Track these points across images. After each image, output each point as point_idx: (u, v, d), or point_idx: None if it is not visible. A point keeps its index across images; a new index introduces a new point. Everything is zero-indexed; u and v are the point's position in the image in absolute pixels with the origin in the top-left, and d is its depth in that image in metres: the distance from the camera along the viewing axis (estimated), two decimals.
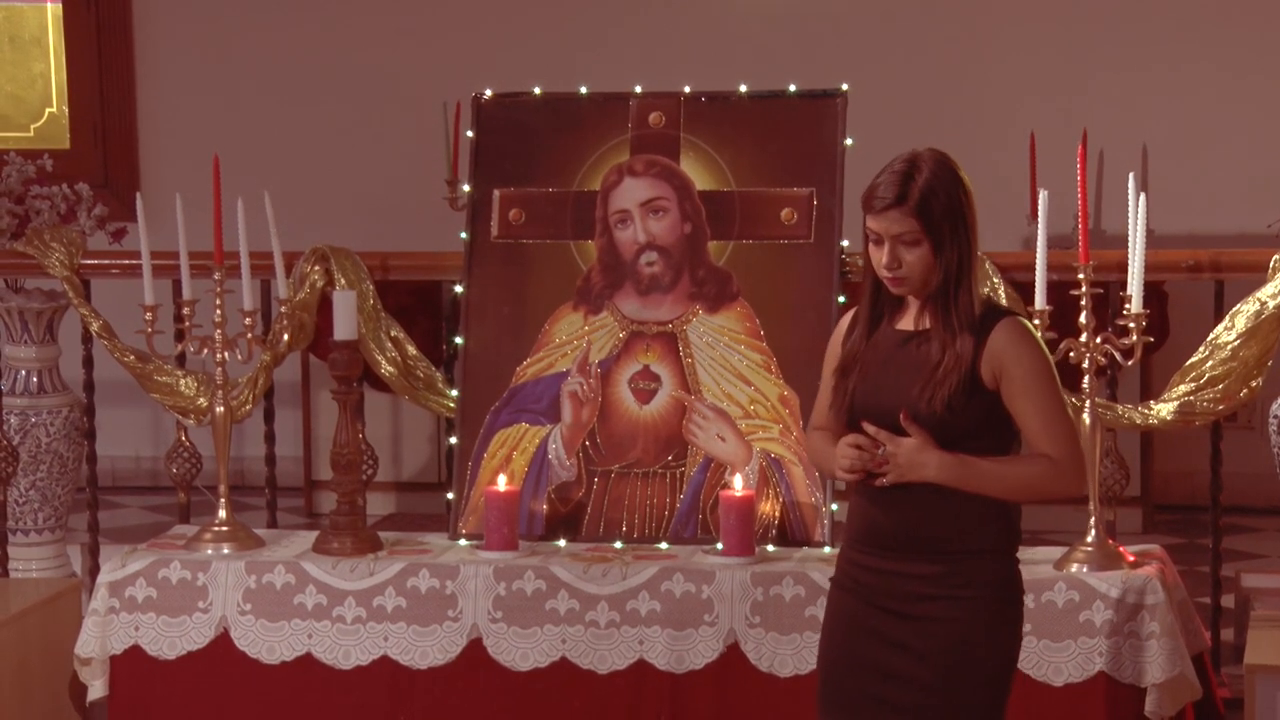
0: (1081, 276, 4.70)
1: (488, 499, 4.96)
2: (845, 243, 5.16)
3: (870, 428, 3.81)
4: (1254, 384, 5.02)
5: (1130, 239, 4.70)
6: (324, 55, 8.41)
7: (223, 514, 5.08)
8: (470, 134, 5.39)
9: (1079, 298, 4.70)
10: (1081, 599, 4.63)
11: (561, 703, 4.81)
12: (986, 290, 5.00)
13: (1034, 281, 4.71)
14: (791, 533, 4.97)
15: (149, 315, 5.12)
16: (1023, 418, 3.82)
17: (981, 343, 3.82)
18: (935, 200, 3.79)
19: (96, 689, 5.00)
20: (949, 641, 3.77)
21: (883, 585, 3.83)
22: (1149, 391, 6.84)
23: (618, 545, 5.00)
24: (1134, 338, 4.68)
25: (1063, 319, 4.75)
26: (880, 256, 3.84)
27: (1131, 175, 4.82)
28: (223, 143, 6.35)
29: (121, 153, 8.55)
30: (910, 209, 3.79)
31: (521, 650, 4.82)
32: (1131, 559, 4.73)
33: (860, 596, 3.87)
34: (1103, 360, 4.76)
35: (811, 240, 5.15)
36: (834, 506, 4.99)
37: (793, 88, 5.28)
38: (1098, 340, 4.72)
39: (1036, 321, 4.96)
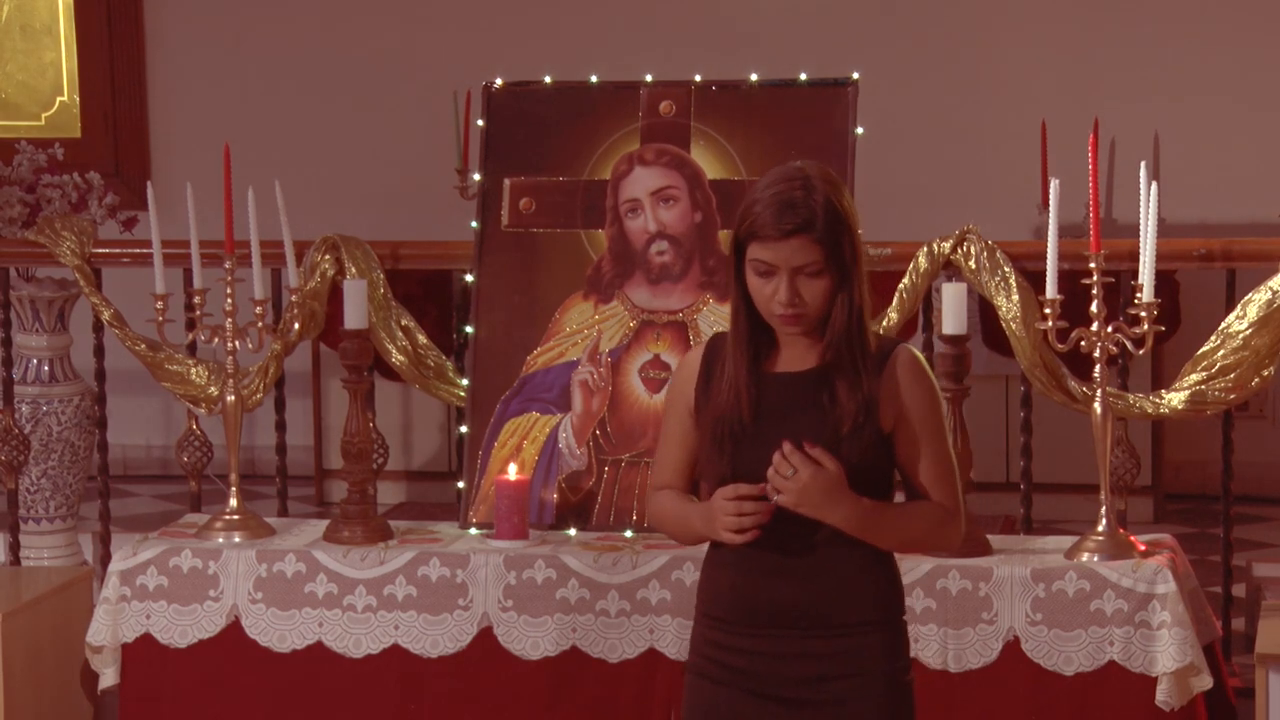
0: (1093, 265, 4.69)
1: (498, 488, 4.96)
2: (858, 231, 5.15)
3: (788, 448, 3.34)
4: (1266, 373, 5.01)
5: (1142, 228, 4.69)
6: (335, 44, 8.41)
7: (234, 502, 5.08)
8: (481, 123, 5.39)
9: (1090, 287, 4.69)
10: (1092, 588, 4.62)
11: (572, 692, 4.81)
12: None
13: (1045, 271, 4.70)
14: None
15: (160, 304, 5.12)
16: (916, 462, 3.43)
17: (879, 379, 3.40)
18: (837, 224, 3.36)
19: (108, 677, 5.00)
20: None
21: (770, 670, 3.41)
22: (1160, 380, 6.83)
23: (628, 534, 5.00)
24: (1145, 327, 4.67)
25: (1074, 308, 4.75)
26: (770, 290, 3.36)
27: (1143, 164, 4.82)
28: (233, 132, 6.34)
29: (132, 141, 8.55)
30: (816, 235, 3.34)
31: (532, 639, 4.83)
32: (1142, 548, 4.72)
33: (740, 686, 3.43)
34: (1114, 349, 4.75)
35: None
36: None
37: (804, 76, 5.27)
38: (1109, 329, 4.71)
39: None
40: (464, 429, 5.22)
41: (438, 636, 4.86)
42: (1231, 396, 5.03)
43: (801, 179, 3.37)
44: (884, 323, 5.16)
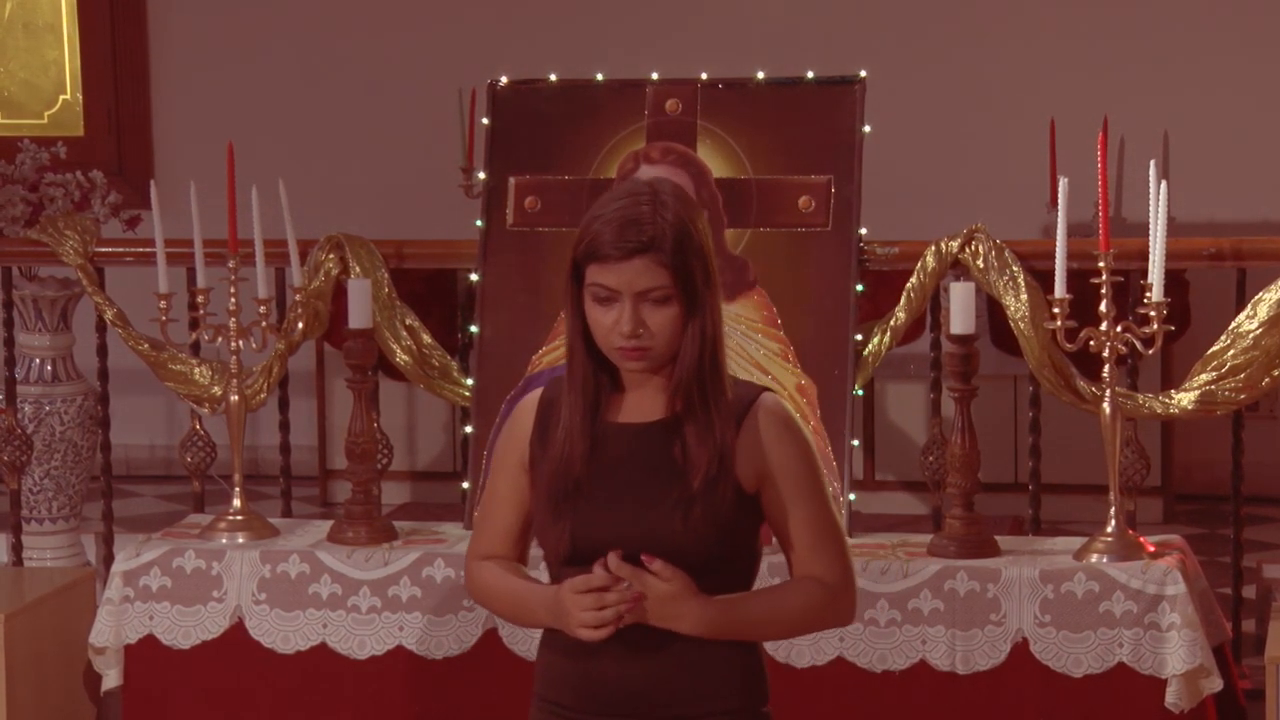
0: (1102, 265, 4.66)
1: None
2: (863, 231, 5.13)
3: (614, 562, 2.96)
4: (1276, 373, 4.98)
5: (1151, 226, 4.66)
6: (338, 42, 8.39)
7: (237, 503, 5.06)
8: (486, 121, 5.37)
9: (1099, 286, 4.67)
10: (1101, 589, 4.60)
11: None
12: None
13: (1054, 270, 4.68)
14: None
15: (163, 303, 5.10)
16: (790, 528, 3.03)
17: (737, 429, 3.00)
18: (688, 245, 2.96)
19: (111, 678, 4.98)
20: None
21: None
22: (1170, 380, 6.80)
23: None
24: (1155, 326, 4.65)
25: (1083, 307, 4.72)
26: (610, 320, 2.96)
27: (1153, 162, 4.79)
28: (237, 130, 6.32)
29: (135, 140, 8.53)
30: (663, 256, 2.94)
31: (537, 640, 4.78)
32: (1152, 549, 4.70)
33: None
34: (1123, 349, 4.73)
35: (829, 228, 5.12)
36: (852, 496, 4.96)
37: (810, 74, 5.25)
38: (1118, 329, 4.69)
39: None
40: (469, 429, 5.20)
41: (442, 638, 4.83)
42: (1241, 396, 5.01)
43: (649, 195, 2.99)
44: (891, 322, 5.13)
